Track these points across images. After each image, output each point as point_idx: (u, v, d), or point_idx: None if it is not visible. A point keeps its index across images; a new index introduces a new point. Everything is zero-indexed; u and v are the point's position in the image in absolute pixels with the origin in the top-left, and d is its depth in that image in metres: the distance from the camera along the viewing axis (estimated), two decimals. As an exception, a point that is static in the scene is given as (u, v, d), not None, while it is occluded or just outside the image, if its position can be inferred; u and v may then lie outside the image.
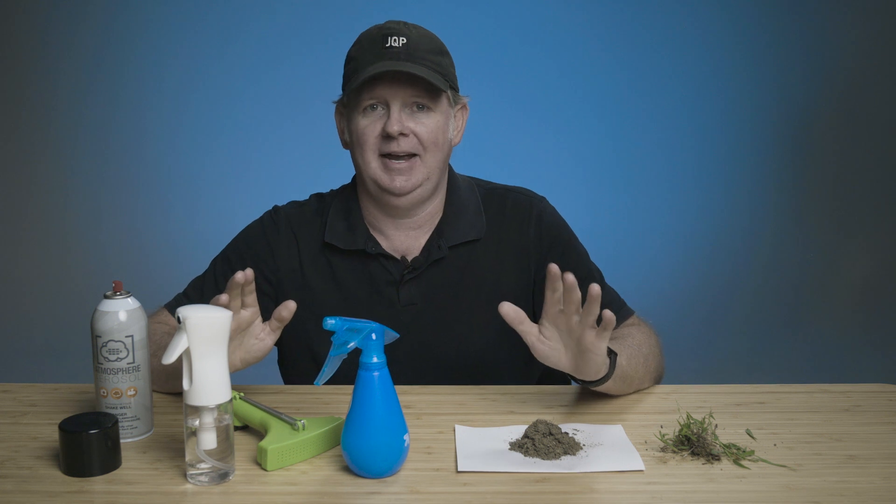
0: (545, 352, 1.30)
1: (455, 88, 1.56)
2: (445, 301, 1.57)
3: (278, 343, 1.59)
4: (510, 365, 1.60)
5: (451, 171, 1.63)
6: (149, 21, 4.56)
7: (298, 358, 1.61)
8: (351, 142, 1.55)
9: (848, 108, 4.62)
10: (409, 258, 1.58)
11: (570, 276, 1.24)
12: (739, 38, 4.61)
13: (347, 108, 1.54)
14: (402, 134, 1.48)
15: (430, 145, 1.50)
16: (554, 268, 1.25)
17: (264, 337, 1.34)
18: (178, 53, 4.57)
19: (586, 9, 4.59)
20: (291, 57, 4.52)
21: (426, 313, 1.57)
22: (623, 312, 1.59)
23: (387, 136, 1.48)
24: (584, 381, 1.34)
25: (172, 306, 1.58)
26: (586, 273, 1.61)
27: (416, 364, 1.54)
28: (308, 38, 4.51)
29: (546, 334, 1.30)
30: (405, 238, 1.59)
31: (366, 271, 1.58)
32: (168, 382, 1.44)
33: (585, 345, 1.26)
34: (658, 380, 1.51)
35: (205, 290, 1.60)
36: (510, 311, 1.29)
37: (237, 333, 1.31)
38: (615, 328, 1.56)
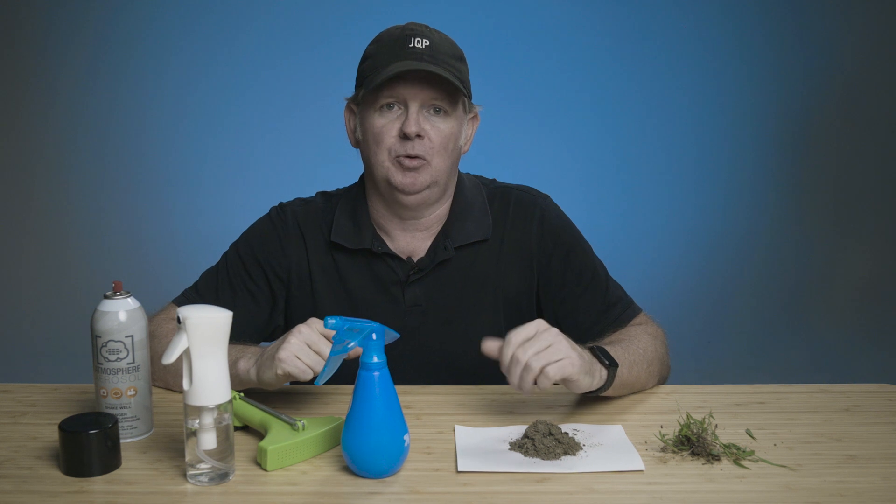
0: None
1: (470, 96, 1.56)
2: (450, 302, 1.58)
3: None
4: None
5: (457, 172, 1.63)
6: (149, 21, 4.56)
7: None
8: (365, 139, 1.54)
9: (848, 108, 4.62)
10: (415, 259, 1.58)
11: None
12: (739, 39, 4.61)
13: (361, 105, 1.53)
14: (417, 135, 1.47)
15: (440, 149, 1.50)
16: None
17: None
18: (178, 53, 4.57)
19: (587, 9, 4.59)
20: (291, 57, 4.52)
21: (430, 314, 1.57)
22: (630, 311, 1.59)
23: (403, 137, 1.48)
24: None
25: (182, 301, 1.59)
26: (591, 273, 1.61)
27: (419, 364, 1.55)
28: (309, 38, 4.51)
29: None
30: (411, 239, 1.59)
31: (371, 271, 1.58)
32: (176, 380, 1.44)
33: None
34: (663, 380, 1.51)
35: (219, 288, 1.60)
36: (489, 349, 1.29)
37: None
38: (621, 329, 1.55)
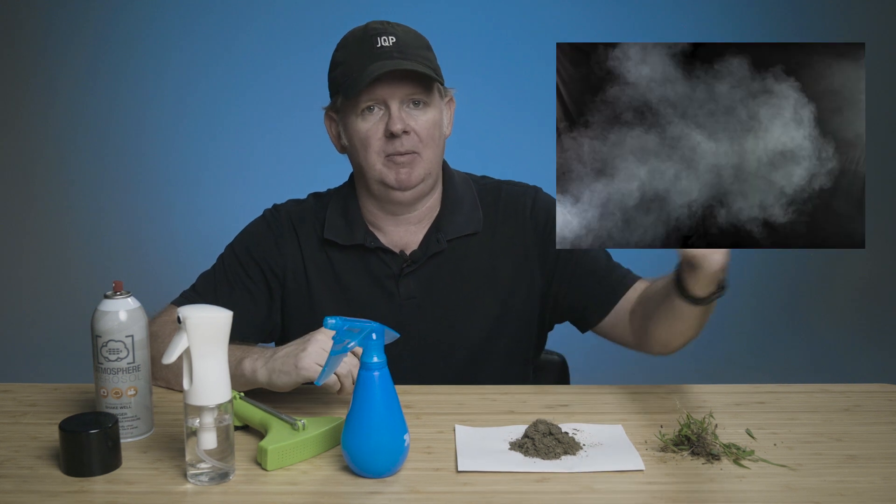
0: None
1: (443, 82, 1.57)
2: (444, 294, 1.59)
3: (281, 340, 1.60)
4: (508, 356, 1.62)
5: (446, 166, 1.65)
6: (149, 21, 4.56)
7: None
8: (352, 145, 1.55)
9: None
10: (408, 252, 1.59)
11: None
12: (739, 39, 4.61)
13: (341, 112, 1.55)
14: (404, 132, 1.49)
15: (428, 140, 1.52)
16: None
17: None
18: (178, 53, 4.57)
19: (586, 6, 4.59)
20: (291, 57, 4.52)
21: (425, 306, 1.58)
22: (631, 277, 1.62)
23: (390, 136, 1.49)
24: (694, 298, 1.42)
25: (181, 302, 1.59)
26: (592, 254, 1.60)
27: (415, 356, 1.56)
28: (309, 38, 4.49)
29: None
30: (404, 233, 1.60)
31: (365, 266, 1.59)
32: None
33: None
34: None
35: (217, 288, 1.60)
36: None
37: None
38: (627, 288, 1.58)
